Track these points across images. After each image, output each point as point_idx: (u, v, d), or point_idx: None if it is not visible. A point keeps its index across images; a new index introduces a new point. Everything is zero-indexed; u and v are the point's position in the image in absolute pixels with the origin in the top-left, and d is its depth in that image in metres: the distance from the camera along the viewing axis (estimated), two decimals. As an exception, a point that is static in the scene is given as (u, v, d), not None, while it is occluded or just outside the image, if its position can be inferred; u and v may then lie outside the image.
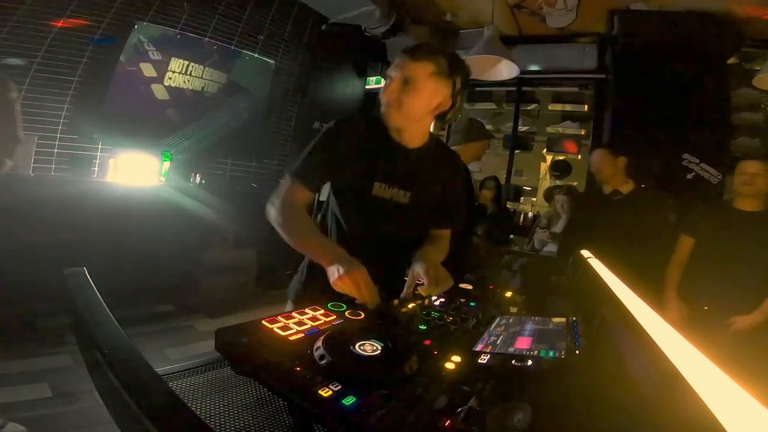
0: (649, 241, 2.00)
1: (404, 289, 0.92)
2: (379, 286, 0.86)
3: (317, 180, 1.07)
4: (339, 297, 0.83)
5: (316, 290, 0.99)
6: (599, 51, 3.36)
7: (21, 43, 2.54)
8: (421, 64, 1.00)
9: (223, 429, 0.58)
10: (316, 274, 1.00)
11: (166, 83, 3.18)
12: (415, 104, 1.02)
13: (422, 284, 0.94)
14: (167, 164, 3.22)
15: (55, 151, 2.80)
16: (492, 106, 4.05)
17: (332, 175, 1.08)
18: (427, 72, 1.00)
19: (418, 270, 0.96)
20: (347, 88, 4.27)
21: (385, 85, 1.03)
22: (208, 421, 0.59)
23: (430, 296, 0.93)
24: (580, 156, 3.69)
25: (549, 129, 3.84)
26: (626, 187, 2.28)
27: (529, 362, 0.61)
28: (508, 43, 2.54)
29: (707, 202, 2.26)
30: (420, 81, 1.00)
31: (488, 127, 4.05)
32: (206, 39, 3.38)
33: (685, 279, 1.98)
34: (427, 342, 0.69)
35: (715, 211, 2.04)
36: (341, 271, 0.84)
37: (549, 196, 3.68)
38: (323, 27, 4.01)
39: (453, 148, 2.18)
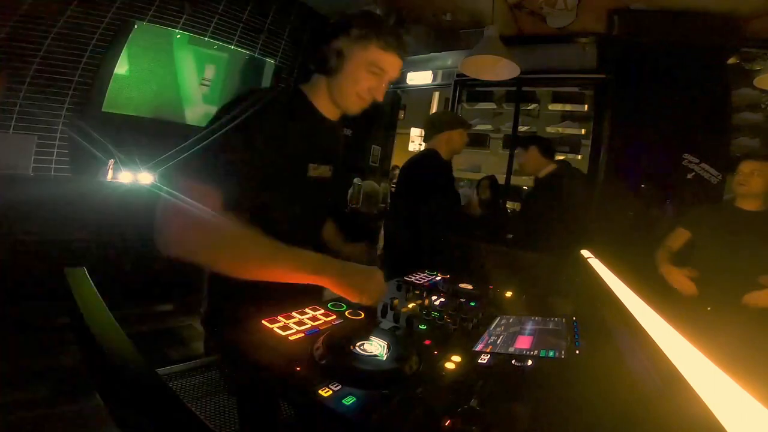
0: (564, 215, 2.08)
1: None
2: None
3: (241, 177, 0.82)
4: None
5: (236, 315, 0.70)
6: (599, 51, 3.35)
7: (21, 43, 2.54)
8: None
9: (223, 429, 0.58)
10: (226, 294, 0.88)
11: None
12: None
13: None
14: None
15: (55, 151, 2.80)
16: (492, 105, 4.05)
17: (259, 170, 0.85)
18: None
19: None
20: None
21: (376, 82, 0.94)
22: (208, 421, 0.59)
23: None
24: (580, 156, 3.69)
25: (549, 129, 3.83)
26: (544, 171, 2.35)
27: (529, 362, 0.61)
28: (508, 43, 2.53)
29: (710, 203, 2.25)
30: None
31: (488, 126, 4.07)
32: (206, 39, 3.38)
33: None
34: (427, 342, 0.69)
35: (716, 211, 2.03)
36: (366, 283, 0.78)
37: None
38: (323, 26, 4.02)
39: (426, 144, 2.18)
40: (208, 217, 0.72)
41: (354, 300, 0.78)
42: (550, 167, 2.36)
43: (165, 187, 0.73)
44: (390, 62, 0.92)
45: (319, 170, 0.98)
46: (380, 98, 0.96)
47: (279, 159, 0.87)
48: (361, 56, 0.91)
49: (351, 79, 0.92)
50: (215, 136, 0.81)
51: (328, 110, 1.00)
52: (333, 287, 0.77)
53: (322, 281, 0.77)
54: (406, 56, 0.96)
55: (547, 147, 2.40)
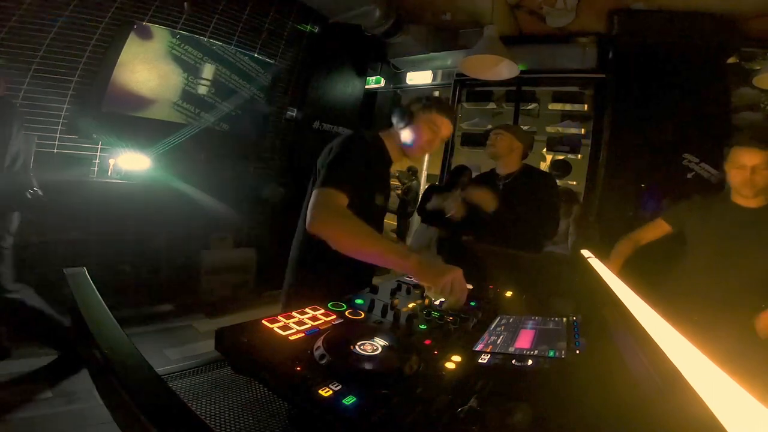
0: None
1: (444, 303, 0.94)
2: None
3: (353, 189, 1.10)
4: (328, 296, 0.85)
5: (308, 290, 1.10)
6: (599, 51, 3.35)
7: (21, 43, 2.54)
8: None
9: (223, 429, 0.58)
10: (308, 278, 1.20)
11: (166, 83, 3.17)
12: None
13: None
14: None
15: (55, 151, 2.80)
16: (492, 105, 4.05)
17: (360, 186, 1.15)
18: None
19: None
20: (347, 87, 4.27)
21: (432, 136, 1.31)
22: (208, 421, 0.59)
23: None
24: (580, 156, 3.69)
25: (549, 129, 3.83)
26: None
27: (529, 362, 0.61)
28: (508, 43, 2.53)
29: (703, 196, 1.86)
30: None
31: (488, 126, 4.07)
32: (205, 38, 3.37)
33: (673, 285, 1.71)
34: (427, 342, 0.69)
35: (709, 205, 1.74)
36: (448, 277, 0.89)
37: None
38: (323, 26, 4.01)
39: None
40: (339, 211, 1.04)
41: (436, 286, 0.89)
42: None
43: (315, 187, 1.10)
44: (443, 123, 1.32)
45: (380, 199, 1.32)
46: (431, 151, 1.35)
47: (367, 183, 1.21)
48: (425, 117, 1.30)
49: (416, 131, 1.30)
50: (344, 158, 1.16)
51: (393, 155, 1.37)
52: (416, 274, 0.93)
53: (405, 267, 0.94)
54: (455, 120, 1.35)
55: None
